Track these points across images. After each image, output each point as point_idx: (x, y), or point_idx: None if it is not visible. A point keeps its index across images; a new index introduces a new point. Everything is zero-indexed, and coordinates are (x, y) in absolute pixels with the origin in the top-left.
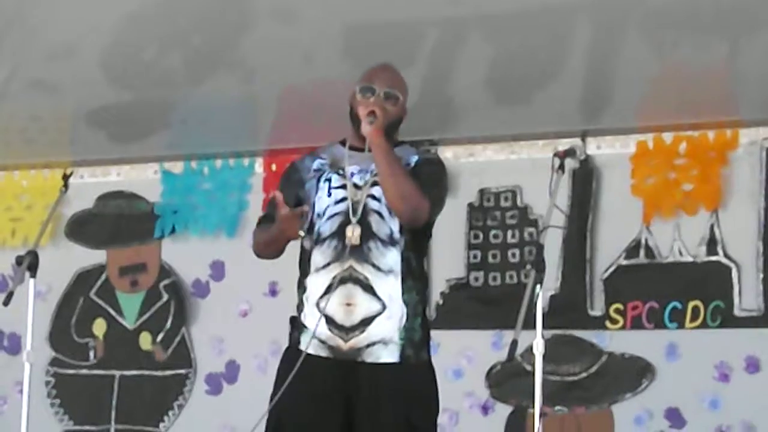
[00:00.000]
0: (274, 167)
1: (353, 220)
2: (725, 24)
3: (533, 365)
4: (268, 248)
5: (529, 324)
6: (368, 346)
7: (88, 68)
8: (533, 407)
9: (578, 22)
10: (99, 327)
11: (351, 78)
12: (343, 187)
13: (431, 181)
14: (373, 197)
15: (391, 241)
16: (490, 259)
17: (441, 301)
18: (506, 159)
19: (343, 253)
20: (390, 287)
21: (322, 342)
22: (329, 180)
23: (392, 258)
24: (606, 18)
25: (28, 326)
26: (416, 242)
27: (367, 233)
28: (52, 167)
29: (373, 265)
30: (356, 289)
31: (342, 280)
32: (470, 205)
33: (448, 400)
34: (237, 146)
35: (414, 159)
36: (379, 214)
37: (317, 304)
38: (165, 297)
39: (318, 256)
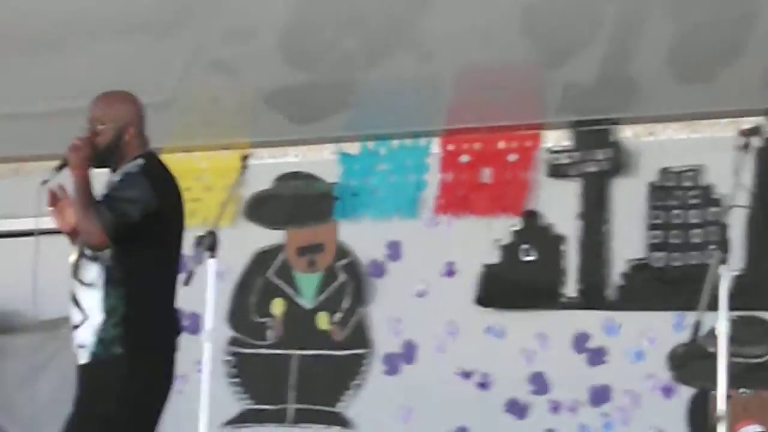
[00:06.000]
0: (450, 147)
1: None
2: None
3: (717, 347)
4: None
5: (712, 305)
6: (77, 350)
7: (267, 50)
8: (716, 389)
9: None
10: (277, 307)
11: (529, 58)
12: None
13: (114, 200)
14: None
15: (94, 258)
16: (672, 240)
17: (622, 282)
18: (688, 138)
19: (72, 271)
20: (91, 299)
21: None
22: None
23: (95, 272)
24: None
25: (208, 306)
26: (126, 253)
27: (81, 252)
28: (231, 148)
29: (79, 280)
30: (71, 303)
31: (70, 296)
32: (651, 184)
33: (629, 381)
34: (414, 126)
35: (117, 178)
36: None
37: None
38: (342, 277)
39: None
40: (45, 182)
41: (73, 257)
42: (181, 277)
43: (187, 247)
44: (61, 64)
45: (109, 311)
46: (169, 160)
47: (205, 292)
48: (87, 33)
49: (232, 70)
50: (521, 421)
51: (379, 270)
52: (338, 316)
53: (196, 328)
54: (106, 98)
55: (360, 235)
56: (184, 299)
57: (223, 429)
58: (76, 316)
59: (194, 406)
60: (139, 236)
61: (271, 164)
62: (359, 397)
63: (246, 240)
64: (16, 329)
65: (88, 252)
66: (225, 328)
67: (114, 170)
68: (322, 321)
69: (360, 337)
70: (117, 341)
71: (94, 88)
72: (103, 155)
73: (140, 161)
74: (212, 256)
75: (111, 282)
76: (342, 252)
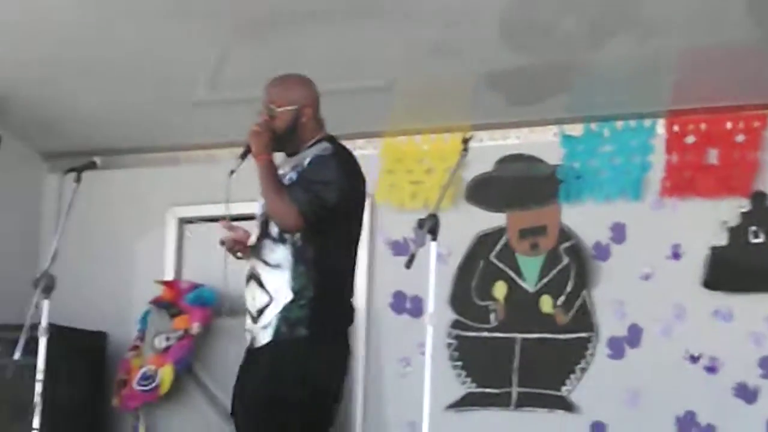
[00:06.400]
0: (676, 128)
1: (258, 222)
2: None
3: None
4: None
5: None
6: (259, 332)
7: (488, 32)
8: None
9: None
10: (499, 290)
11: (755, 40)
12: None
13: (305, 183)
14: None
15: (280, 239)
16: None
17: None
18: None
19: (252, 252)
20: (277, 280)
21: (246, 331)
22: None
23: (281, 253)
24: None
25: (429, 289)
26: (315, 235)
27: (264, 233)
28: (452, 131)
29: (264, 261)
30: (253, 284)
31: (248, 277)
32: None
33: None
34: (638, 107)
35: (307, 161)
36: None
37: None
38: (565, 260)
39: None
40: (232, 172)
41: (254, 239)
42: (403, 260)
43: (409, 229)
44: (285, 49)
45: (297, 292)
46: (390, 143)
47: (427, 275)
48: (310, 18)
49: (453, 53)
50: (750, 406)
51: (603, 253)
52: (562, 299)
53: (418, 311)
54: (281, 81)
55: (583, 218)
56: (406, 282)
57: (447, 412)
58: (260, 298)
59: (417, 388)
60: (332, 218)
61: (492, 146)
62: (584, 381)
63: (467, 223)
64: (239, 312)
65: (273, 233)
66: (447, 311)
67: (290, 154)
68: (546, 304)
69: (584, 320)
70: (302, 323)
71: (318, 73)
72: (281, 138)
73: (328, 145)
74: (434, 239)
75: (300, 263)
76: (565, 234)
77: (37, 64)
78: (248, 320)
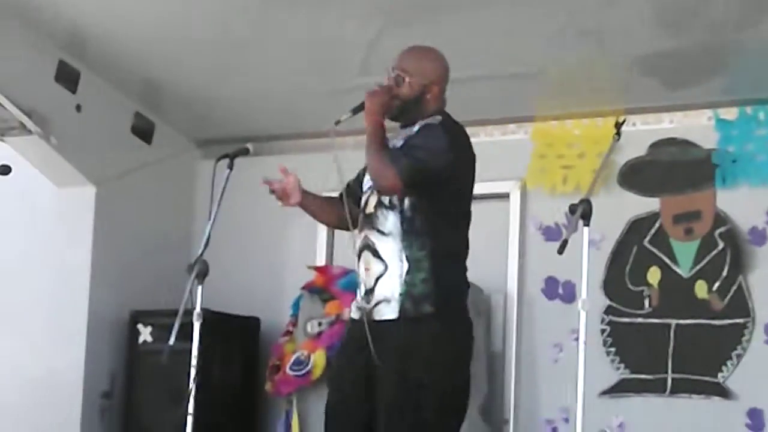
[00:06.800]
0: None
1: (370, 191)
2: None
3: None
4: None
5: None
6: (376, 305)
7: (639, 15)
8: None
9: None
10: (653, 275)
11: None
12: None
13: (411, 148)
14: None
15: (391, 206)
16: None
17: None
18: None
19: (363, 223)
20: (390, 248)
21: (357, 306)
22: None
23: (392, 221)
24: None
25: (582, 274)
26: (423, 203)
27: (378, 202)
28: (604, 116)
29: (378, 230)
30: (368, 255)
31: (361, 249)
32: None
33: None
34: None
35: (416, 129)
36: None
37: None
38: (720, 245)
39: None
40: (338, 122)
41: (370, 208)
42: (555, 245)
43: (560, 215)
44: (436, 34)
45: (412, 262)
46: (541, 128)
47: (579, 261)
48: (461, 3)
49: (604, 37)
50: None
51: (759, 238)
52: (717, 284)
53: (570, 297)
54: (417, 52)
55: (738, 202)
56: (558, 268)
57: (600, 398)
58: (375, 267)
59: (570, 374)
60: (436, 188)
61: (645, 131)
62: (740, 367)
63: (620, 208)
64: None
65: (385, 201)
66: (600, 297)
67: (405, 126)
68: (701, 290)
69: (739, 306)
70: (427, 299)
71: (469, 59)
72: (402, 108)
73: (438, 117)
74: (586, 224)
75: (411, 232)
76: (720, 219)
77: (190, 53)
78: (360, 293)
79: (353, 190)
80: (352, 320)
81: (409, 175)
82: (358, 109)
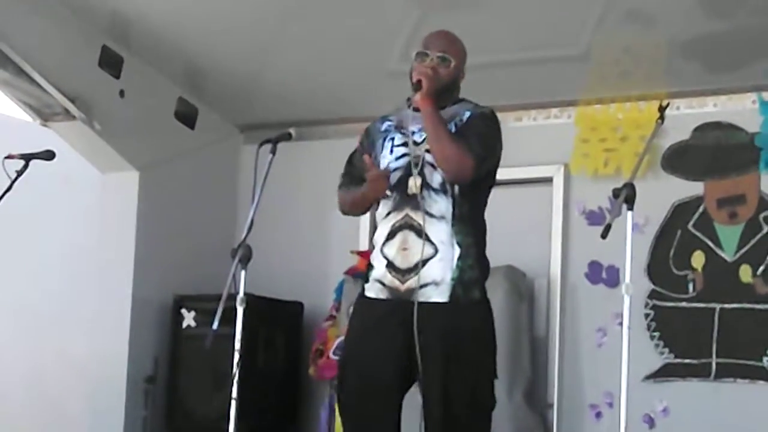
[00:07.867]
0: None
1: (414, 172)
2: None
3: None
4: (354, 208)
5: None
6: (422, 287)
7: None
8: None
9: None
10: (697, 259)
11: None
12: (405, 144)
13: (478, 136)
14: (428, 151)
15: (443, 189)
16: None
17: None
18: None
19: (401, 202)
20: (441, 232)
21: (384, 285)
22: (393, 139)
23: (444, 205)
24: None
25: (626, 259)
26: (471, 190)
27: (423, 183)
28: (647, 99)
29: (426, 212)
30: (410, 235)
31: (400, 227)
32: None
33: None
34: None
35: (467, 115)
36: (432, 165)
37: (381, 250)
38: (765, 229)
39: (381, 208)
40: (409, 100)
41: (413, 189)
42: (598, 229)
43: (604, 199)
44: (479, 17)
45: (463, 247)
46: (584, 111)
47: (623, 245)
48: None
49: (649, 20)
50: None
51: None
52: (761, 268)
53: (614, 281)
54: (451, 36)
55: None
56: (601, 252)
57: (644, 383)
58: (419, 248)
59: (614, 359)
60: (490, 176)
61: (689, 114)
62: None
63: (664, 192)
64: None
65: (435, 184)
66: (644, 281)
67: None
68: (745, 274)
69: None
70: (476, 285)
71: (512, 42)
72: (441, 91)
73: (485, 108)
74: (630, 209)
75: (459, 217)
76: (764, 203)
77: (233, 38)
78: (393, 272)
79: (359, 171)
80: (379, 300)
81: (483, 165)
82: (417, 89)
